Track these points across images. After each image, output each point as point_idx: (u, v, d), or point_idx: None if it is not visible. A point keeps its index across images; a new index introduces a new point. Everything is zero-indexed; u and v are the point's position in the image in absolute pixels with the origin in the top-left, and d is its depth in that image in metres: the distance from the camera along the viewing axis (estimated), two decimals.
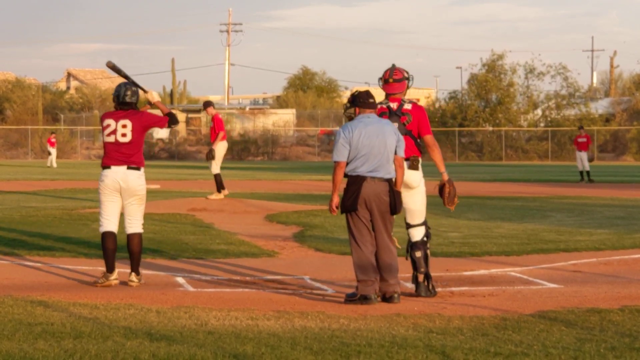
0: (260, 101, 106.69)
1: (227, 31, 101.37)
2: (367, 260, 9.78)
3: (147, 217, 18.96)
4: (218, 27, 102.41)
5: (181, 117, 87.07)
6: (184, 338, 7.76)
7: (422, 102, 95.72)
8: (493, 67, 77.03)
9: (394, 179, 9.91)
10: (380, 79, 10.37)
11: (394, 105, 10.26)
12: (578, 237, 16.10)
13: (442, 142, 76.69)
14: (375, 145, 9.80)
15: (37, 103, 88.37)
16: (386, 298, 9.87)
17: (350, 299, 9.84)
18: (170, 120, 11.11)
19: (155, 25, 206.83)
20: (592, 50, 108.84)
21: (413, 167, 10.21)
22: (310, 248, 14.62)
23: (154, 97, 11.26)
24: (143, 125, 11.03)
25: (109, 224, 10.95)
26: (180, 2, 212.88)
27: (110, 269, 10.82)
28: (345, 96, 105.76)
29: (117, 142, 10.92)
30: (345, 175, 9.90)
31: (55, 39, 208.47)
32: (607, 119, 78.29)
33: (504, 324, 8.51)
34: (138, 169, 11.01)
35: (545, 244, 15.01)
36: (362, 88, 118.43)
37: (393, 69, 10.37)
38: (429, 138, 10.26)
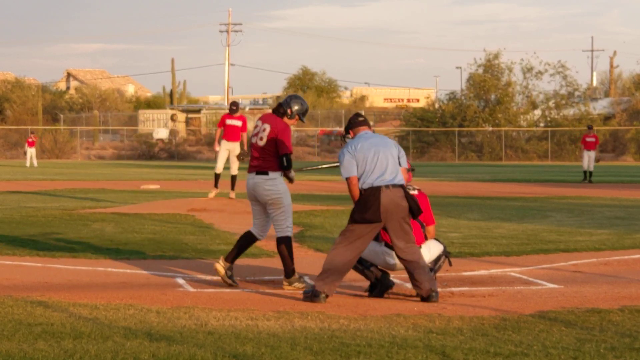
0: (260, 101, 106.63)
1: (227, 31, 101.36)
2: (338, 264, 9.85)
3: (148, 217, 19.12)
4: (218, 27, 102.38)
5: (181, 117, 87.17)
6: (184, 338, 7.76)
7: (422, 102, 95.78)
8: (489, 66, 77.00)
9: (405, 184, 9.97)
10: None
11: None
12: (578, 237, 16.10)
13: (442, 142, 76.82)
14: (380, 153, 9.89)
15: (37, 103, 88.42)
16: (424, 298, 9.91)
17: (306, 294, 9.97)
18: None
19: (155, 25, 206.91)
20: (592, 50, 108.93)
21: None
22: (310, 248, 14.62)
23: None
24: None
25: None
26: (180, 2, 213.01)
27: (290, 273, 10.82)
28: (345, 96, 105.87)
29: None
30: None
31: (55, 39, 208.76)
32: (607, 119, 78.27)
33: (504, 324, 8.51)
34: None
35: (545, 244, 15.01)
36: (362, 87, 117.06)
37: None
38: (432, 228, 10.68)
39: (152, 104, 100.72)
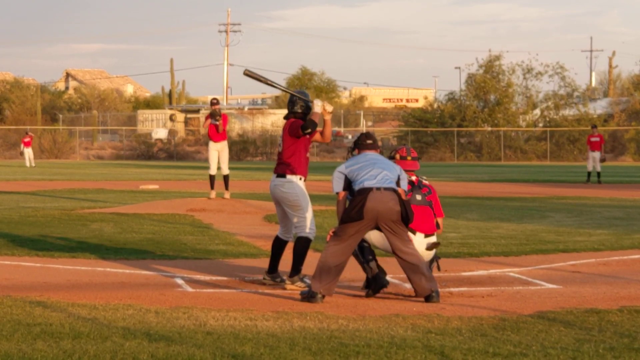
0: (259, 101, 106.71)
1: (226, 31, 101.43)
2: (332, 264, 9.87)
3: (146, 217, 19.10)
4: (217, 27, 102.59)
5: (180, 117, 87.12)
6: (183, 338, 7.76)
7: (421, 103, 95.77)
8: (490, 67, 77.02)
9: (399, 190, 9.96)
10: (395, 153, 10.81)
11: (413, 179, 10.65)
12: (577, 237, 16.10)
13: (441, 143, 76.82)
14: (376, 166, 9.96)
15: (36, 103, 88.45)
16: (425, 298, 9.93)
17: (303, 295, 10.00)
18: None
19: (155, 25, 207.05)
20: (591, 51, 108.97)
21: (429, 249, 10.51)
22: (310, 248, 14.57)
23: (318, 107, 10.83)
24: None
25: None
26: (179, 2, 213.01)
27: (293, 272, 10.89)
28: (344, 96, 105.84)
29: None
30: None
31: (55, 39, 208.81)
32: (606, 120, 78.28)
33: (503, 325, 8.51)
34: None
35: (544, 245, 15.01)
36: (361, 88, 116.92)
37: (409, 148, 10.95)
38: (441, 220, 10.84)
39: (151, 104, 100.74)
